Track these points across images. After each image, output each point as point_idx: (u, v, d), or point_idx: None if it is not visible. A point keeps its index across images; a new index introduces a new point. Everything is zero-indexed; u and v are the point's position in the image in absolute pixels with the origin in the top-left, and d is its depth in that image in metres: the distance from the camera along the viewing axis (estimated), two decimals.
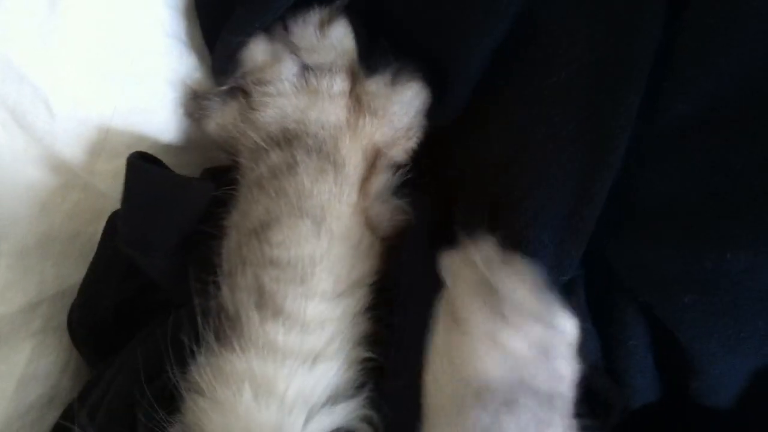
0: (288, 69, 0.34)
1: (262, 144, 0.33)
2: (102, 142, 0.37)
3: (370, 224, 0.33)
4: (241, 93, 0.35)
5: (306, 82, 0.34)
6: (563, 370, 0.29)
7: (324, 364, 0.29)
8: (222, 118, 0.35)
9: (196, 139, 0.39)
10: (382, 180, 0.34)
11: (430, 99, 0.35)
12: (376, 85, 0.35)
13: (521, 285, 0.29)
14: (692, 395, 0.32)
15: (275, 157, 0.33)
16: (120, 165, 0.35)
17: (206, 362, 0.29)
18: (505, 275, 0.29)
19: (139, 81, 0.38)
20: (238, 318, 0.29)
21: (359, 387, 0.30)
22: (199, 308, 0.30)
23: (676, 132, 0.32)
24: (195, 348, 0.29)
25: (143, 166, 0.34)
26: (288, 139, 0.33)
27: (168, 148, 0.39)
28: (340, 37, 0.35)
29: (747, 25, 0.30)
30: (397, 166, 0.35)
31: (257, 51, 0.35)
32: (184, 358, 0.29)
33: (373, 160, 0.34)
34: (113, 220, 0.37)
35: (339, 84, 0.34)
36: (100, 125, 0.37)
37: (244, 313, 0.29)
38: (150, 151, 0.38)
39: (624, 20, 0.31)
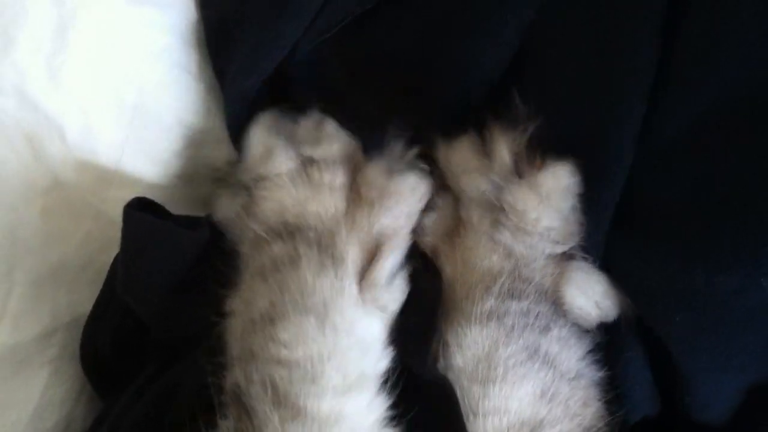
0: (284, 164, 0.34)
1: (264, 235, 0.33)
2: (113, 171, 0.38)
3: (382, 311, 0.33)
4: (243, 188, 0.35)
5: (308, 176, 0.34)
6: (562, 292, 0.32)
7: None
8: (228, 209, 0.35)
9: (203, 172, 0.40)
10: (387, 267, 0.33)
11: (429, 189, 0.35)
12: (373, 174, 0.34)
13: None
14: (684, 411, 0.33)
15: (277, 249, 0.32)
16: (131, 194, 0.36)
17: None
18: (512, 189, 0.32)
19: (147, 111, 0.38)
20: (256, 415, 0.29)
21: None
22: (213, 387, 0.30)
23: (664, 151, 0.33)
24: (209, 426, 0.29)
25: (136, 215, 0.34)
26: (290, 232, 0.33)
27: (176, 180, 0.39)
28: (343, 134, 0.35)
29: (738, 44, 0.31)
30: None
31: (254, 143, 0.35)
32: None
33: (374, 252, 0.33)
34: (117, 261, 0.37)
35: (341, 177, 0.34)
36: (111, 154, 0.38)
37: (261, 411, 0.29)
38: (158, 183, 0.39)
39: (622, 35, 0.33)
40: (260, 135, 0.35)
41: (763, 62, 0.31)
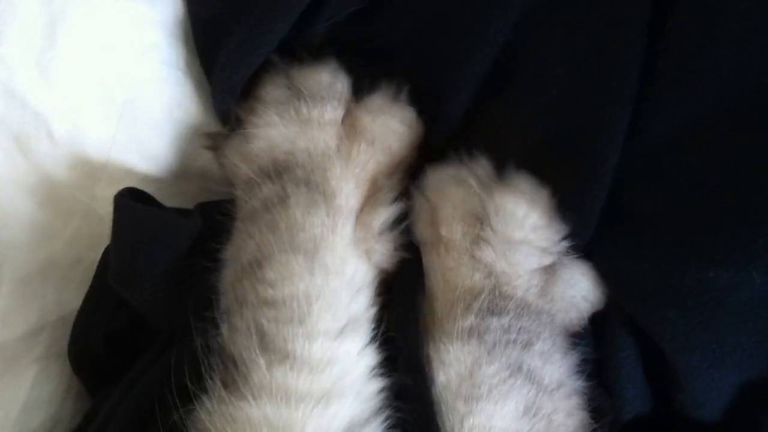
0: (273, 93, 0.34)
1: (254, 177, 0.33)
2: (102, 167, 0.38)
3: (368, 257, 0.33)
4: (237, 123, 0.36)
5: (296, 111, 0.34)
6: (551, 290, 0.32)
7: (337, 402, 0.28)
8: (223, 152, 0.35)
9: (193, 168, 0.40)
10: (383, 215, 0.33)
11: (423, 126, 0.36)
12: (367, 110, 0.34)
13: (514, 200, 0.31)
14: (678, 408, 0.33)
15: (267, 190, 0.32)
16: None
17: (216, 410, 0.28)
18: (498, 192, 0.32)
19: (136, 108, 0.38)
20: (243, 362, 0.29)
21: (376, 413, 0.30)
22: (201, 350, 0.30)
23: (656, 150, 0.33)
24: (199, 392, 0.29)
25: (129, 204, 0.34)
26: (278, 172, 0.32)
27: (165, 176, 0.39)
28: (335, 70, 0.35)
29: (721, 53, 0.31)
30: (397, 196, 0.35)
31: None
32: (187, 403, 0.29)
33: (372, 191, 0.34)
34: (107, 253, 0.37)
35: (330, 112, 0.34)
36: (99, 151, 0.38)
37: (248, 357, 0.29)
38: (147, 179, 0.39)
39: (606, 42, 0.33)
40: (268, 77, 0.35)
41: (755, 60, 0.31)
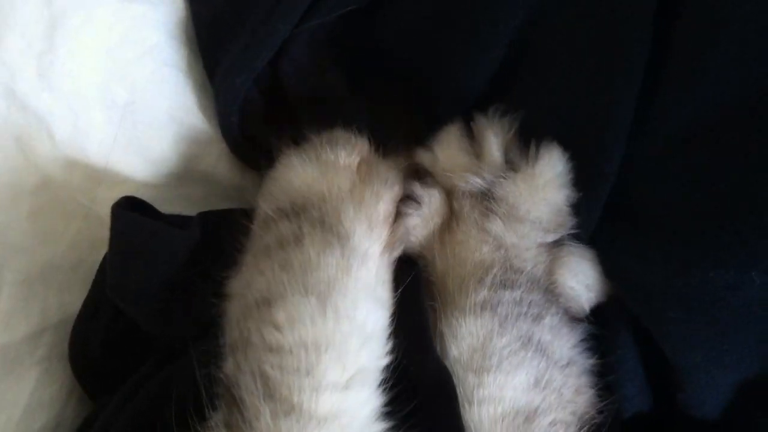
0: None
1: (272, 215, 0.33)
2: (103, 170, 0.38)
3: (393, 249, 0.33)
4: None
5: (316, 156, 0.34)
6: (555, 273, 0.33)
7: None
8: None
9: (196, 171, 0.40)
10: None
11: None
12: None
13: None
14: (679, 407, 0.33)
15: (283, 228, 0.32)
16: (121, 193, 0.36)
17: None
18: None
19: (137, 109, 0.38)
20: (246, 408, 0.28)
21: None
22: (202, 378, 0.29)
23: (660, 151, 0.33)
24: (200, 426, 0.28)
25: (125, 215, 0.34)
26: (296, 212, 0.32)
27: (166, 179, 0.39)
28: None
29: (725, 54, 0.31)
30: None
31: None
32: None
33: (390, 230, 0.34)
34: (106, 259, 0.36)
35: (345, 156, 0.34)
36: (100, 153, 0.38)
37: (251, 404, 0.28)
38: (148, 182, 0.39)
39: (610, 43, 0.33)
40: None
41: (757, 62, 0.31)
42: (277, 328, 0.29)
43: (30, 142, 0.36)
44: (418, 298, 0.33)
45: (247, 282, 0.32)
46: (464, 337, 0.31)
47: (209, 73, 0.39)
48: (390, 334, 0.31)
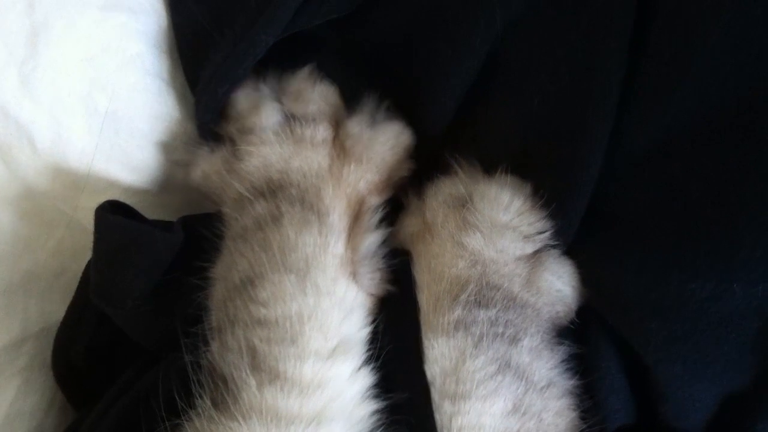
0: (270, 116, 0.34)
1: (246, 194, 0.33)
2: (84, 178, 0.38)
3: (356, 279, 0.33)
4: (227, 142, 0.36)
5: (291, 131, 0.34)
6: (537, 281, 0.32)
7: (327, 426, 0.28)
8: (208, 166, 0.35)
9: (177, 180, 0.40)
10: (371, 239, 0.33)
11: (412, 138, 0.36)
12: (356, 128, 0.35)
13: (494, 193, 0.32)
14: (662, 419, 0.33)
15: (260, 208, 0.32)
16: (103, 201, 0.35)
17: (206, 429, 0.28)
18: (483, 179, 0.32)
19: (119, 118, 0.38)
20: (233, 381, 0.28)
21: None
22: (190, 366, 0.30)
23: (639, 160, 0.33)
24: (188, 408, 0.29)
25: (109, 218, 0.34)
26: (272, 190, 0.33)
27: (148, 187, 0.39)
28: (325, 90, 0.35)
29: (702, 65, 0.31)
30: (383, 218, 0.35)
31: (240, 97, 0.35)
32: (174, 418, 0.29)
33: (359, 210, 0.34)
34: (90, 267, 0.36)
35: (322, 132, 0.34)
36: (82, 162, 0.38)
37: (238, 377, 0.28)
38: (130, 190, 0.39)
39: (589, 52, 0.33)
40: (248, 90, 0.35)
41: (735, 72, 0.31)
42: (263, 304, 0.30)
43: (11, 151, 0.36)
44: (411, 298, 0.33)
45: (228, 265, 0.32)
46: (437, 360, 0.30)
47: (190, 83, 0.39)
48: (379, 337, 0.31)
